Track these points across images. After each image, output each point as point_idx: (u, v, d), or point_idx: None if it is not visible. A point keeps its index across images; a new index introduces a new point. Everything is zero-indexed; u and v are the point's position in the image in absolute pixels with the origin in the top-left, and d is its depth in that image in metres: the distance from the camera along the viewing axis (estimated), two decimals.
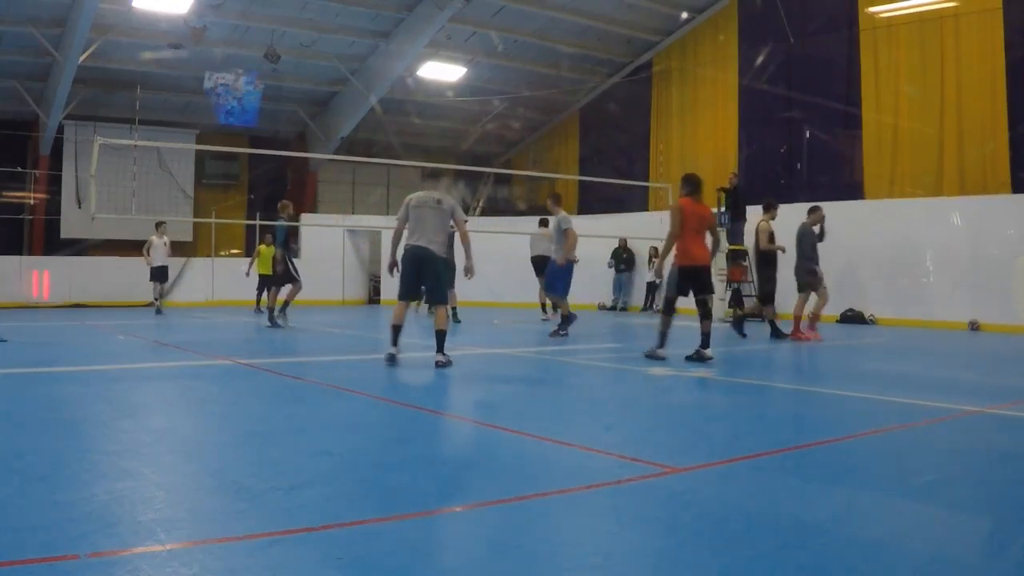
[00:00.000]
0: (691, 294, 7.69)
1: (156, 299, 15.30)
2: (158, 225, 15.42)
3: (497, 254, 13.98)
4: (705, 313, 7.62)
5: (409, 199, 7.09)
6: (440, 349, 6.87)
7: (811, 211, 10.57)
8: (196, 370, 7.01)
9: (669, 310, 7.64)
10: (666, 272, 7.69)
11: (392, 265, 7.16)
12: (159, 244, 15.27)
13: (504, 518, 2.82)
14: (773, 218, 10.38)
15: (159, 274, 15.31)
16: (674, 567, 2.38)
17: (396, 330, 6.93)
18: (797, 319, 10.31)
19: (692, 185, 7.59)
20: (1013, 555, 2.54)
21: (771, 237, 10.21)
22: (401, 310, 7.05)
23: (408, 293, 7.13)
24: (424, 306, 15.53)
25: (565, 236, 10.34)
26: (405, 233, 7.04)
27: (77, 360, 7.71)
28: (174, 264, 18.32)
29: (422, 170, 7.54)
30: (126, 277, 17.14)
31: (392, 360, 6.82)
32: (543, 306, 13.79)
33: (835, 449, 4.06)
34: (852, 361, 8.56)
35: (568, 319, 10.22)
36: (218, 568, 2.26)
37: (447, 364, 6.78)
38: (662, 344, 7.44)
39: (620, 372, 7.32)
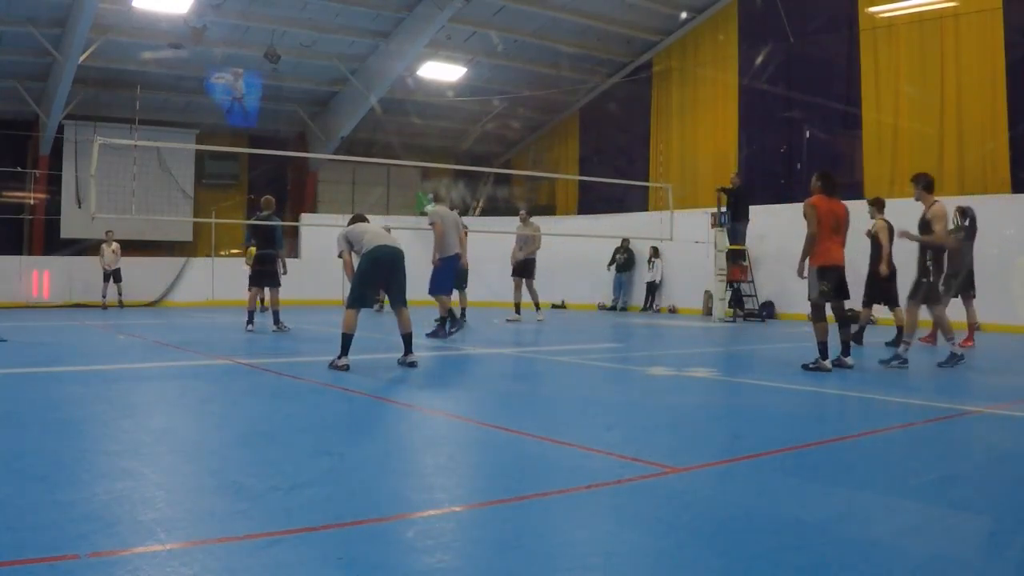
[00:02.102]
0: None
1: (117, 295, 16.81)
2: (107, 233, 16.73)
3: (497, 254, 13.99)
4: (842, 320, 7.29)
5: (342, 232, 7.04)
6: (409, 350, 6.85)
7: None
8: (196, 370, 7.02)
9: (819, 316, 7.13)
10: (805, 273, 7.21)
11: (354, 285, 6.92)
12: (108, 251, 16.76)
13: (504, 518, 2.82)
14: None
15: (112, 275, 16.75)
16: (674, 567, 2.38)
17: (350, 339, 6.60)
18: (971, 327, 9.95)
19: (826, 180, 7.22)
20: (1013, 555, 2.54)
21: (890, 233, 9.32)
22: (354, 318, 6.71)
23: (366, 299, 6.93)
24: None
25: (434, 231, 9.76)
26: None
27: (77, 360, 7.71)
28: (174, 264, 18.43)
29: (352, 218, 7.51)
30: (126, 277, 17.20)
31: (347, 369, 6.46)
32: (517, 306, 13.48)
33: (835, 449, 4.06)
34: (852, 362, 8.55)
35: (446, 320, 9.66)
36: (218, 568, 2.26)
37: (415, 365, 6.76)
38: (825, 355, 6.92)
39: (620, 372, 7.32)
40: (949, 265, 10.10)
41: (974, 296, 9.97)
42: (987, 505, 3.10)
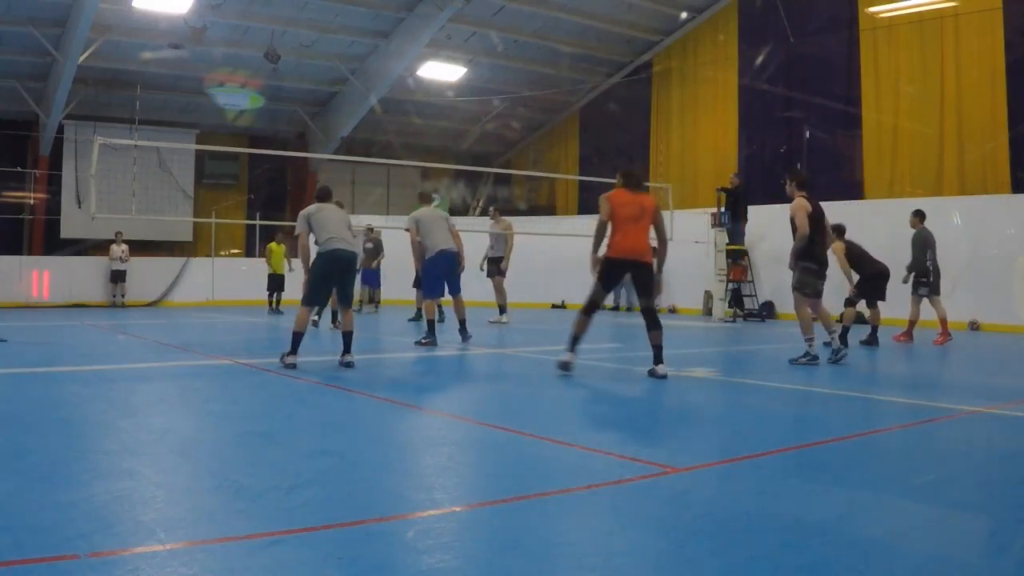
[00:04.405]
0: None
1: (121, 296, 17.19)
2: (117, 234, 17.16)
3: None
4: (652, 323, 6.47)
5: (306, 211, 6.99)
6: (348, 350, 6.80)
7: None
8: (196, 370, 7.02)
9: (587, 310, 6.60)
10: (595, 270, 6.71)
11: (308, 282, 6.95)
12: (118, 252, 17.11)
13: (504, 518, 2.82)
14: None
15: (119, 276, 17.22)
16: (674, 567, 2.38)
17: (300, 337, 6.69)
18: (911, 323, 10.28)
19: (627, 178, 6.71)
20: (1013, 555, 2.54)
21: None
22: (307, 316, 6.79)
23: (320, 299, 6.91)
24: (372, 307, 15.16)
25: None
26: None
27: (77, 360, 7.71)
28: (174, 264, 18.43)
29: (316, 192, 7.35)
30: (126, 277, 17.23)
31: (294, 367, 6.53)
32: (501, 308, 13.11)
33: (835, 449, 4.06)
34: (852, 361, 8.55)
35: (432, 325, 9.06)
36: (218, 568, 2.26)
37: (352, 365, 6.70)
38: (572, 348, 6.48)
39: (620, 372, 7.32)
40: (923, 264, 10.18)
41: (924, 296, 10.26)
42: (987, 505, 3.10)
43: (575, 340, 6.51)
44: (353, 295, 7.17)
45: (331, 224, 6.88)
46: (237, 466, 3.51)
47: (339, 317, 7.27)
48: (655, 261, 6.68)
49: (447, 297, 9.39)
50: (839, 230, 9.85)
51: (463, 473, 3.57)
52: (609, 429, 4.60)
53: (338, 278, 6.95)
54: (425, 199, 9.51)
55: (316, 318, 11.05)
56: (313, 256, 6.90)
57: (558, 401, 5.65)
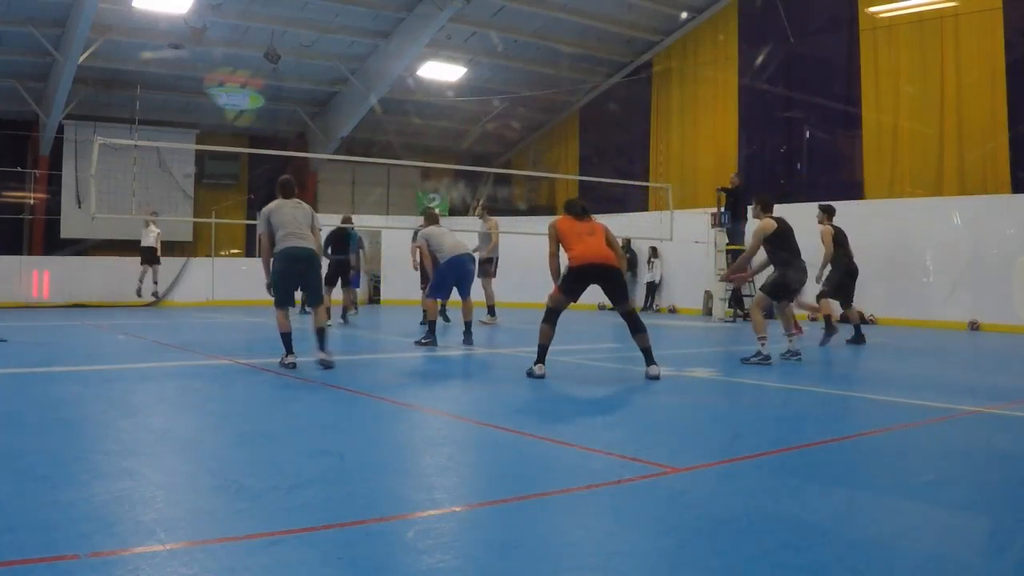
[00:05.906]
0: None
1: (153, 282, 16.01)
2: (152, 213, 16.44)
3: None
4: (635, 326, 6.40)
5: (265, 210, 6.90)
6: (323, 347, 6.78)
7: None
8: (196, 370, 7.02)
9: (548, 318, 6.51)
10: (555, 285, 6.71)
11: (271, 285, 6.86)
12: (154, 231, 16.13)
13: (504, 518, 2.82)
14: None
15: (150, 258, 16.01)
16: (674, 567, 2.38)
17: (288, 337, 6.76)
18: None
19: (569, 207, 6.76)
20: (1013, 555, 2.54)
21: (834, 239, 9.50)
22: (285, 318, 6.82)
23: (288, 299, 6.89)
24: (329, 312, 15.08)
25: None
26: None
27: (77, 360, 7.71)
28: (174, 264, 18.34)
29: (277, 184, 7.18)
30: (126, 277, 17.12)
31: (294, 367, 6.61)
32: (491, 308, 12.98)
33: (835, 449, 4.06)
34: (852, 361, 8.57)
35: (433, 325, 9.08)
36: (218, 568, 2.26)
37: (331, 363, 6.69)
38: (541, 359, 6.38)
39: (620, 372, 7.31)
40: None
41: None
42: (987, 505, 3.10)
43: (543, 350, 6.41)
44: (321, 291, 7.16)
45: (289, 222, 6.77)
46: (237, 466, 3.51)
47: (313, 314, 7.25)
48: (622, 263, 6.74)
49: (456, 298, 9.53)
50: (829, 211, 9.76)
51: (463, 473, 3.57)
52: (609, 429, 4.60)
53: (298, 277, 6.88)
54: (432, 219, 9.93)
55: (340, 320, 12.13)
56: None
57: (558, 401, 5.65)
